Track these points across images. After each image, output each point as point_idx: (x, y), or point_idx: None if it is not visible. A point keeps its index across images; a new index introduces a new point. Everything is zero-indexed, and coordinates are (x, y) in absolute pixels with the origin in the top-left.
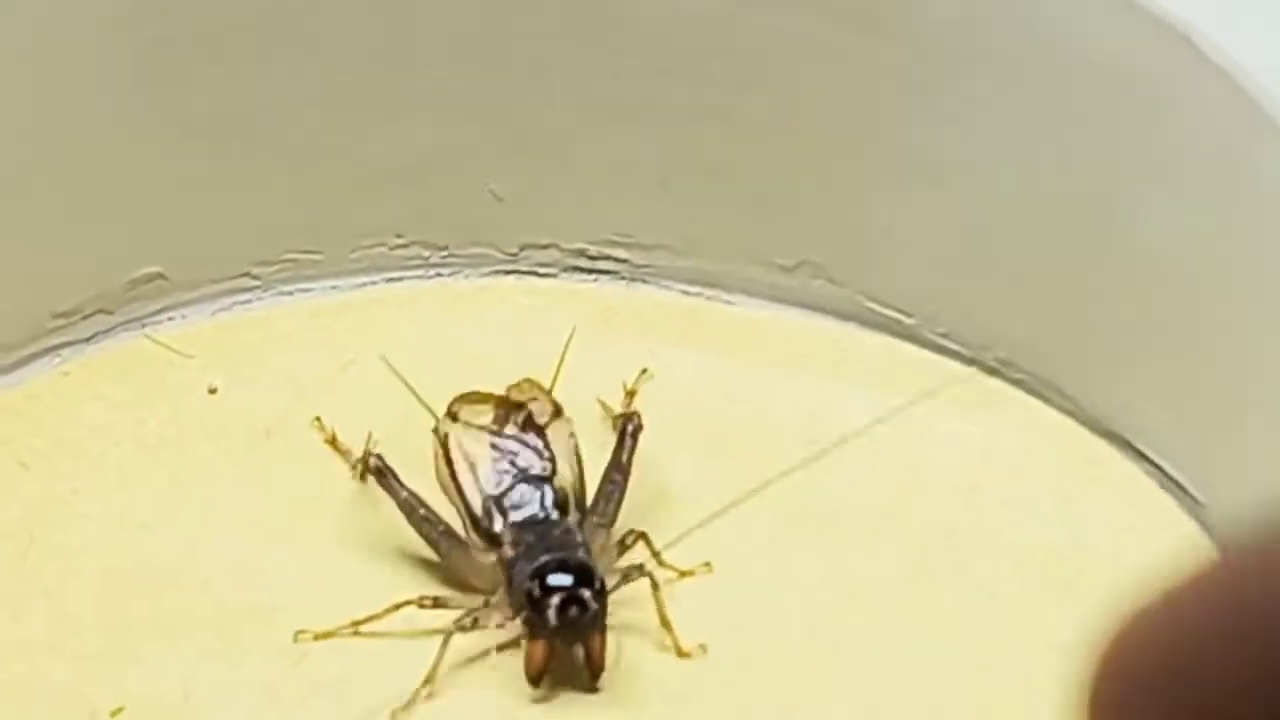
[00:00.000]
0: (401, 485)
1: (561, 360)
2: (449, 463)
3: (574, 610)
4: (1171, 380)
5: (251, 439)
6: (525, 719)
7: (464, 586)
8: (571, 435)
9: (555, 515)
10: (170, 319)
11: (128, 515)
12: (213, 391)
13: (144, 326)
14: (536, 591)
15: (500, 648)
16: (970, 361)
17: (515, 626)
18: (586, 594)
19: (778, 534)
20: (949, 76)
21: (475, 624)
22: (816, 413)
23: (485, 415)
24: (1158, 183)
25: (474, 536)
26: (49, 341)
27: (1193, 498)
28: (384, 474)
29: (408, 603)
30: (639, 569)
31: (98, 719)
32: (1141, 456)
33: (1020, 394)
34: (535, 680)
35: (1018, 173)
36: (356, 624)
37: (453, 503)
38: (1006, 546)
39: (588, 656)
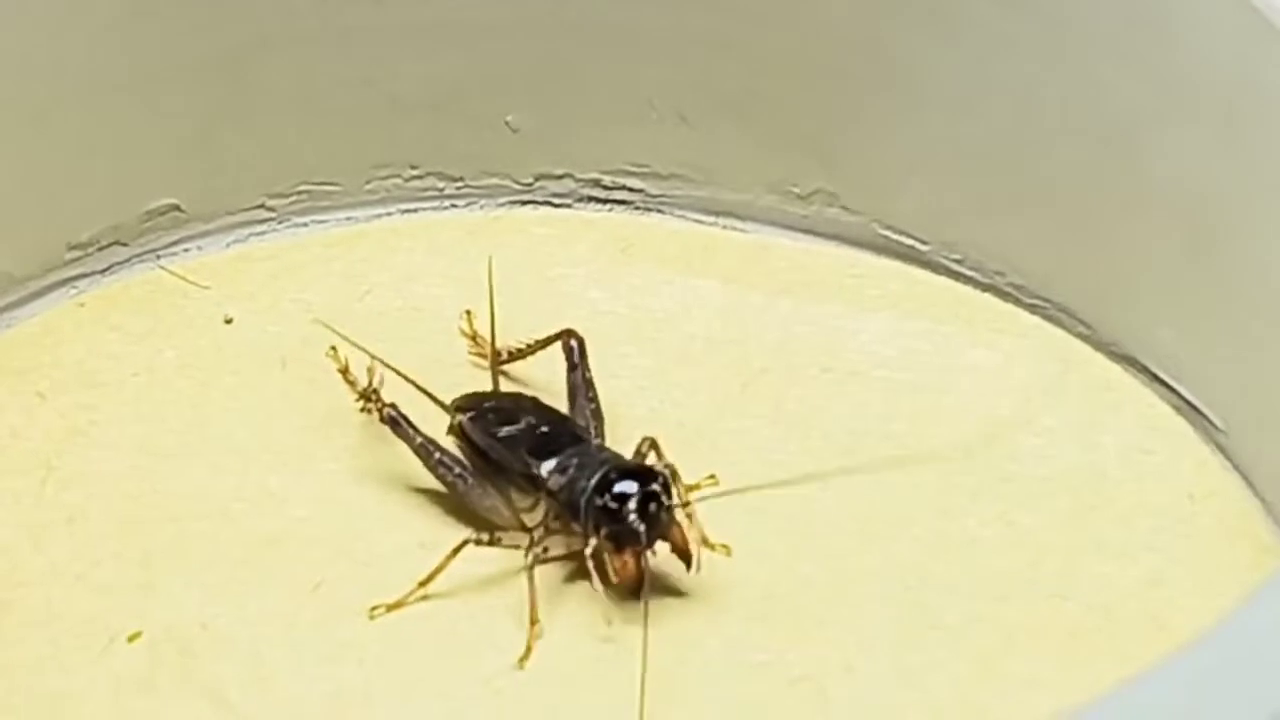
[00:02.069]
0: (416, 432)
1: (491, 304)
2: (475, 449)
3: (653, 507)
4: (1188, 304)
5: (268, 369)
6: (619, 631)
7: (488, 525)
8: (574, 369)
9: (577, 442)
10: (186, 250)
11: (146, 445)
12: (229, 322)
13: (159, 258)
14: (613, 504)
15: (569, 578)
16: (985, 288)
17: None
18: (658, 487)
19: (794, 463)
20: (961, 6)
21: (546, 552)
22: (832, 340)
23: (489, 401)
24: (1171, 105)
25: (514, 494)
26: (65, 273)
27: (1211, 423)
28: (398, 424)
29: (464, 544)
30: (638, 451)
31: (116, 645)
32: (1158, 381)
33: (1036, 320)
34: (638, 591)
35: (1031, 99)
36: (423, 584)
37: (488, 479)
38: (1024, 474)
39: (675, 548)
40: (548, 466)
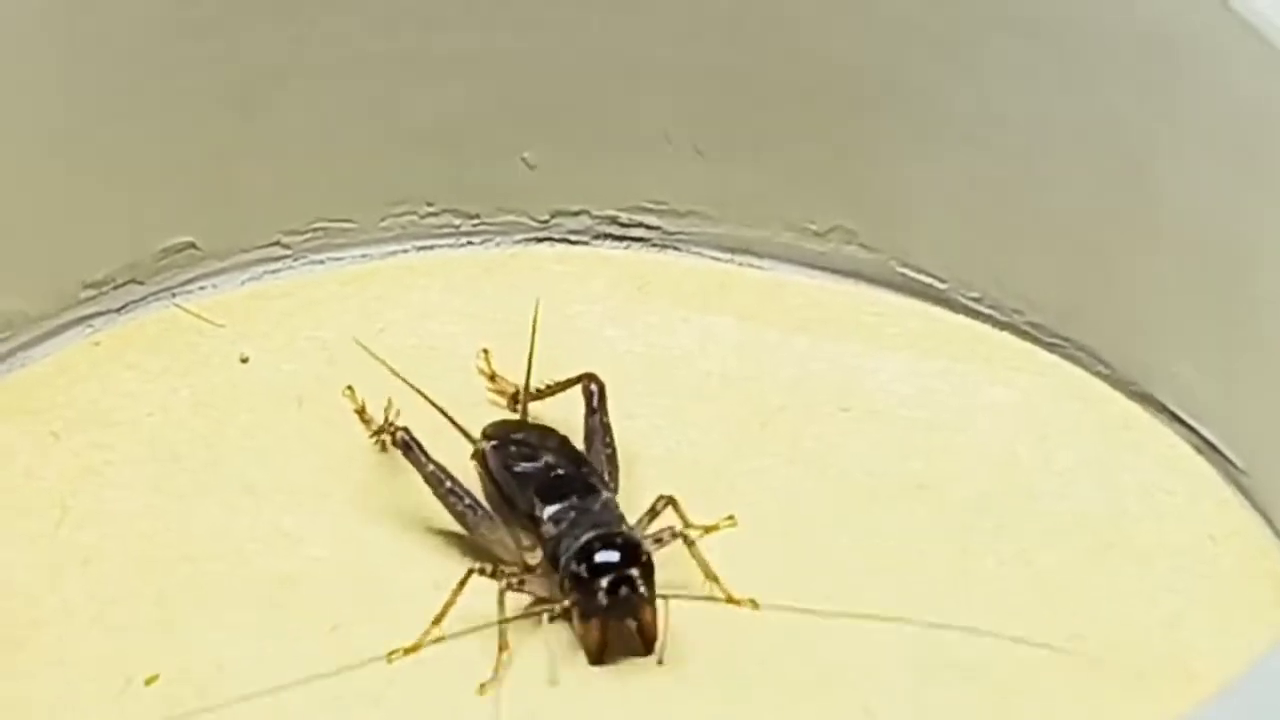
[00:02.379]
0: (428, 459)
1: (533, 345)
2: (490, 477)
3: (624, 590)
4: (1208, 343)
5: (283, 407)
6: (584, 685)
7: (492, 558)
8: (594, 413)
9: (587, 493)
10: (201, 288)
11: (161, 484)
12: (244, 360)
13: (175, 296)
14: (584, 573)
15: (552, 618)
16: (1003, 326)
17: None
18: (634, 572)
19: (812, 502)
20: (982, 39)
21: (522, 585)
22: (849, 378)
23: (517, 433)
24: (1191, 142)
25: (517, 532)
26: (80, 311)
27: (1231, 463)
28: (410, 448)
29: (469, 574)
30: (670, 531)
31: (133, 687)
32: (1178, 420)
33: (1054, 358)
34: (597, 660)
35: (1051, 135)
36: (437, 620)
37: (499, 512)
38: (1042, 513)
39: (640, 629)
40: (549, 512)
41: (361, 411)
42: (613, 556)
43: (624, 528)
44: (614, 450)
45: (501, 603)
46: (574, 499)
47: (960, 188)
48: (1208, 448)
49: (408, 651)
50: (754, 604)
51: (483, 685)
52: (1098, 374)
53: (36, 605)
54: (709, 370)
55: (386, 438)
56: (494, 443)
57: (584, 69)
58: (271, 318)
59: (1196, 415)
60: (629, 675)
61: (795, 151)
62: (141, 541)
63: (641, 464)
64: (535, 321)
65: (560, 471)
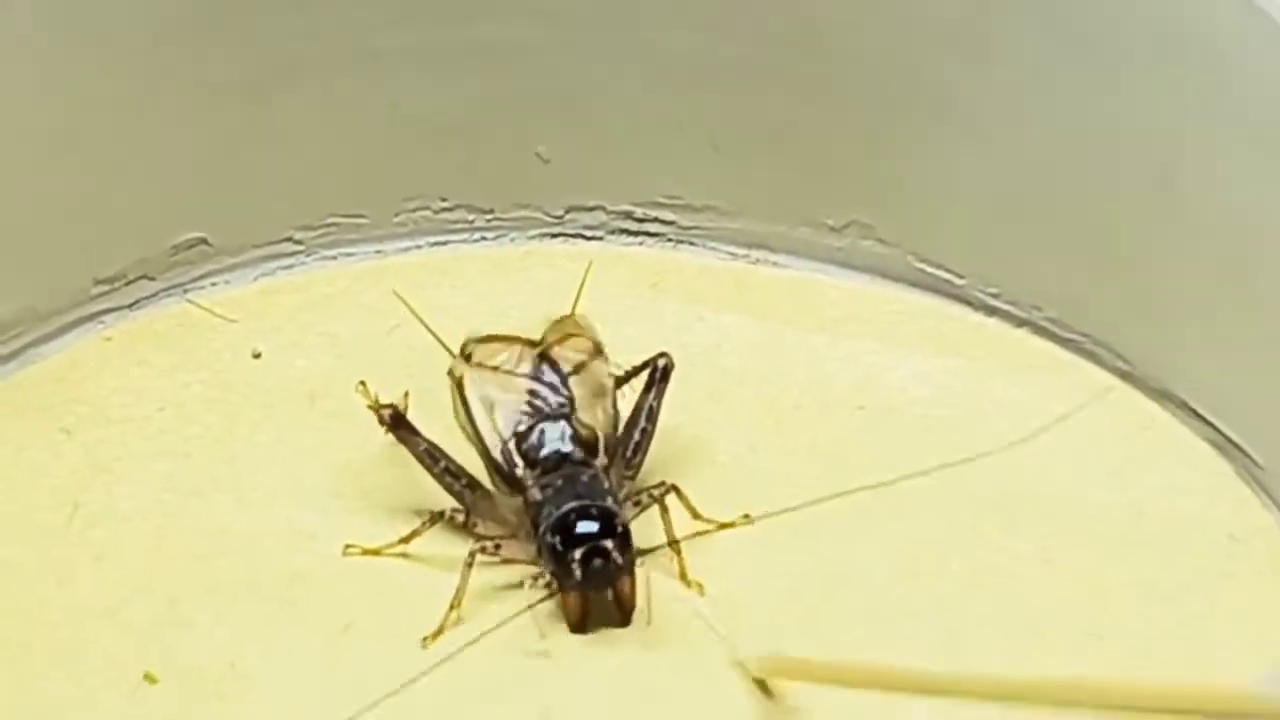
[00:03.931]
0: (420, 437)
1: (580, 290)
2: (465, 405)
3: (599, 562)
4: (1229, 339)
5: (295, 403)
6: (562, 651)
7: (486, 529)
8: (611, 376)
9: (579, 455)
10: (213, 284)
11: (172, 480)
12: (256, 356)
13: (187, 292)
14: (560, 545)
15: (534, 579)
16: (1021, 323)
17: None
18: (610, 544)
19: (829, 500)
20: (1000, 35)
21: (498, 549)
22: (867, 376)
23: (502, 356)
24: (1214, 140)
25: (497, 481)
26: (92, 308)
27: (1252, 459)
28: (401, 425)
29: (472, 555)
30: (650, 494)
31: (144, 685)
32: (1198, 418)
33: (1072, 356)
34: (578, 630)
35: (1068, 133)
36: (454, 607)
37: (474, 446)
38: (1060, 513)
39: (617, 599)
40: (532, 474)
41: (375, 406)
42: (590, 528)
43: (607, 501)
44: (651, 434)
45: (467, 566)
46: (564, 462)
47: (978, 183)
48: (1228, 444)
49: (434, 636)
50: (700, 587)
51: (424, 638)
52: (1117, 371)
53: (47, 603)
54: (725, 368)
55: (379, 415)
56: (474, 368)
57: (599, 63)
58: (284, 313)
59: (1217, 412)
60: (602, 638)
61: (812, 147)
62: (153, 538)
63: (657, 461)
64: (584, 279)
65: (548, 422)
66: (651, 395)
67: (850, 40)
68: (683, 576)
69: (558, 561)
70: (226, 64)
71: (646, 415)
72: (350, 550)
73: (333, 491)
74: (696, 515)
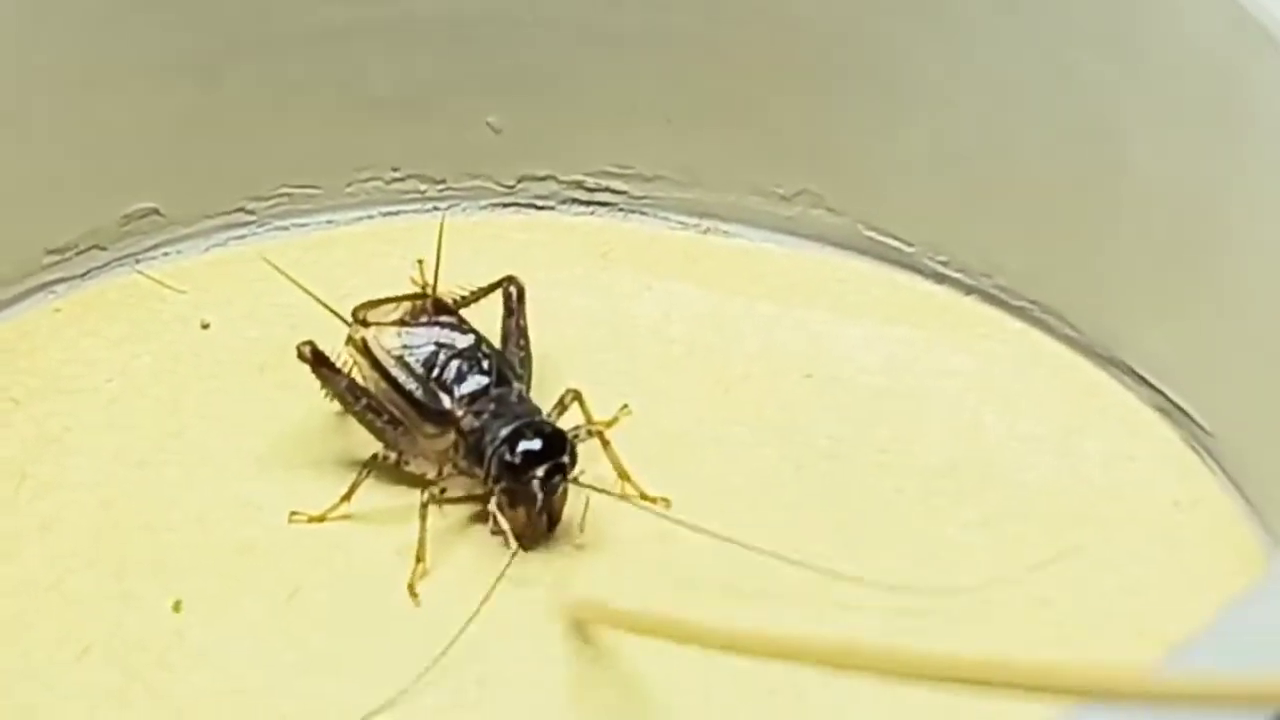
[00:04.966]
0: (342, 374)
1: (439, 246)
2: (375, 363)
3: (558, 478)
4: (1174, 305)
5: (245, 374)
6: (522, 578)
7: (416, 480)
8: (510, 315)
9: (503, 379)
10: (165, 254)
11: (121, 452)
12: (206, 327)
13: (138, 262)
14: (517, 460)
15: (473, 518)
16: (970, 290)
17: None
18: (566, 460)
19: (776, 469)
20: (948, 3)
21: (444, 494)
22: (814, 346)
23: (396, 313)
24: (1159, 105)
25: (425, 425)
26: (42, 278)
27: (1199, 425)
28: (323, 363)
29: (373, 458)
30: (587, 429)
31: (90, 655)
32: (1145, 384)
33: (1020, 323)
34: (530, 544)
35: (1016, 99)
36: (344, 498)
37: (393, 404)
38: (1006, 480)
39: (547, 511)
40: (462, 404)
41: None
42: (545, 446)
43: (549, 419)
44: (529, 354)
45: (423, 517)
46: (490, 389)
47: (927, 151)
48: (1175, 410)
49: (311, 519)
50: (666, 502)
51: (408, 583)
52: (1065, 339)
53: None
54: (673, 337)
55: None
56: (373, 330)
57: (550, 33)
58: (234, 284)
59: (1164, 378)
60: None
61: (762, 116)
62: (100, 510)
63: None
64: (441, 229)
65: (461, 358)
66: (515, 318)
67: (799, 12)
68: (642, 496)
69: (516, 478)
70: (179, 36)
71: (519, 334)
72: (296, 518)
73: (282, 462)
74: (590, 420)
